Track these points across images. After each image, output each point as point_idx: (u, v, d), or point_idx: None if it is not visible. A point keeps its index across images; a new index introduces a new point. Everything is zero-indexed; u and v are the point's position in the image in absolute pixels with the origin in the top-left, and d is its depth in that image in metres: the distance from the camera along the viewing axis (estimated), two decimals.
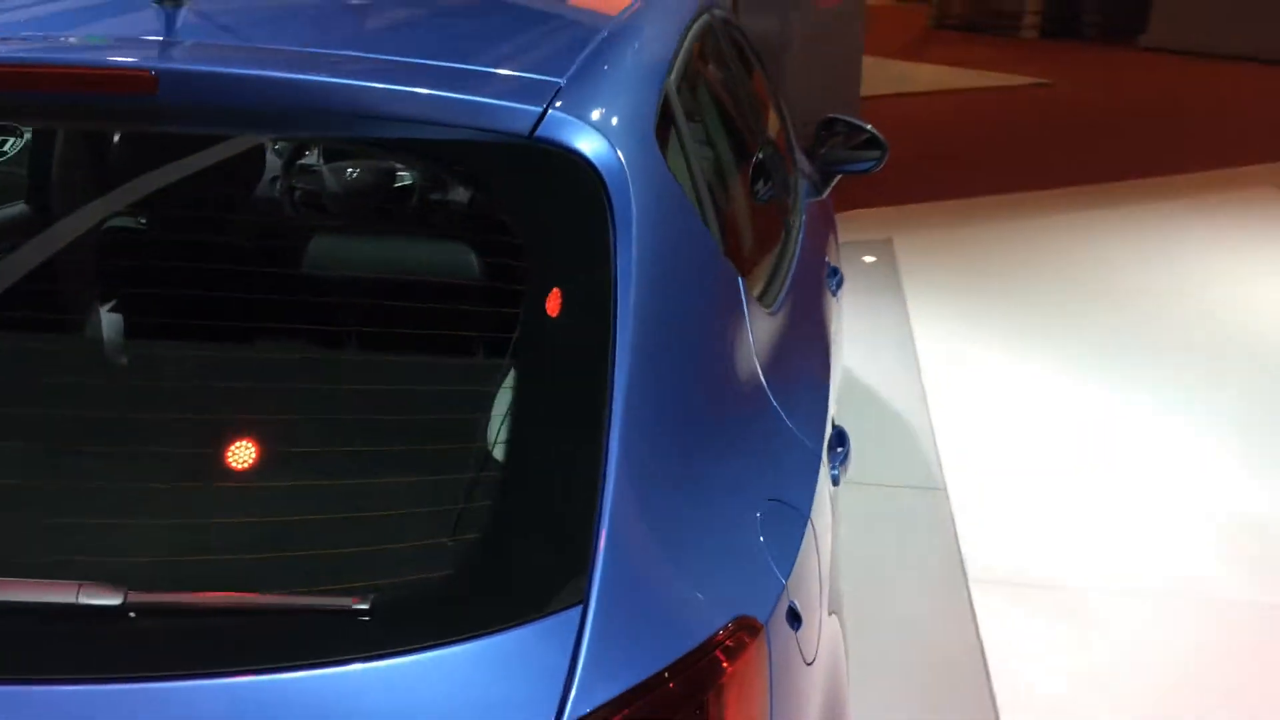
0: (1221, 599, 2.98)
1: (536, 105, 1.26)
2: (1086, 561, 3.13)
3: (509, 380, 1.16)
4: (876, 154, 3.08)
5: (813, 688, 1.24)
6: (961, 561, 3.12)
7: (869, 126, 3.12)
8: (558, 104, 1.28)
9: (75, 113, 1.30)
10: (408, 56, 1.41)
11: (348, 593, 0.97)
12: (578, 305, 1.16)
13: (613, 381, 1.11)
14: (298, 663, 0.93)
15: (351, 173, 2.02)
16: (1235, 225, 6.59)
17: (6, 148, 1.30)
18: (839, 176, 3.18)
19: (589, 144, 1.25)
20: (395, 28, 1.72)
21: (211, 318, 1.26)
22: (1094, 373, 4.41)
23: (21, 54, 1.28)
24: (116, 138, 1.65)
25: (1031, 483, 3.57)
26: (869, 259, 5.84)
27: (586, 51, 1.49)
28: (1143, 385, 4.30)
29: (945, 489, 3.51)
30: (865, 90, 8.94)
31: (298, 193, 1.93)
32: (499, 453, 1.09)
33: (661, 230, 1.27)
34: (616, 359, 1.12)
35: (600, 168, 1.24)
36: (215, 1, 1.61)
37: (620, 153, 1.26)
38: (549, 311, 1.17)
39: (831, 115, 3.29)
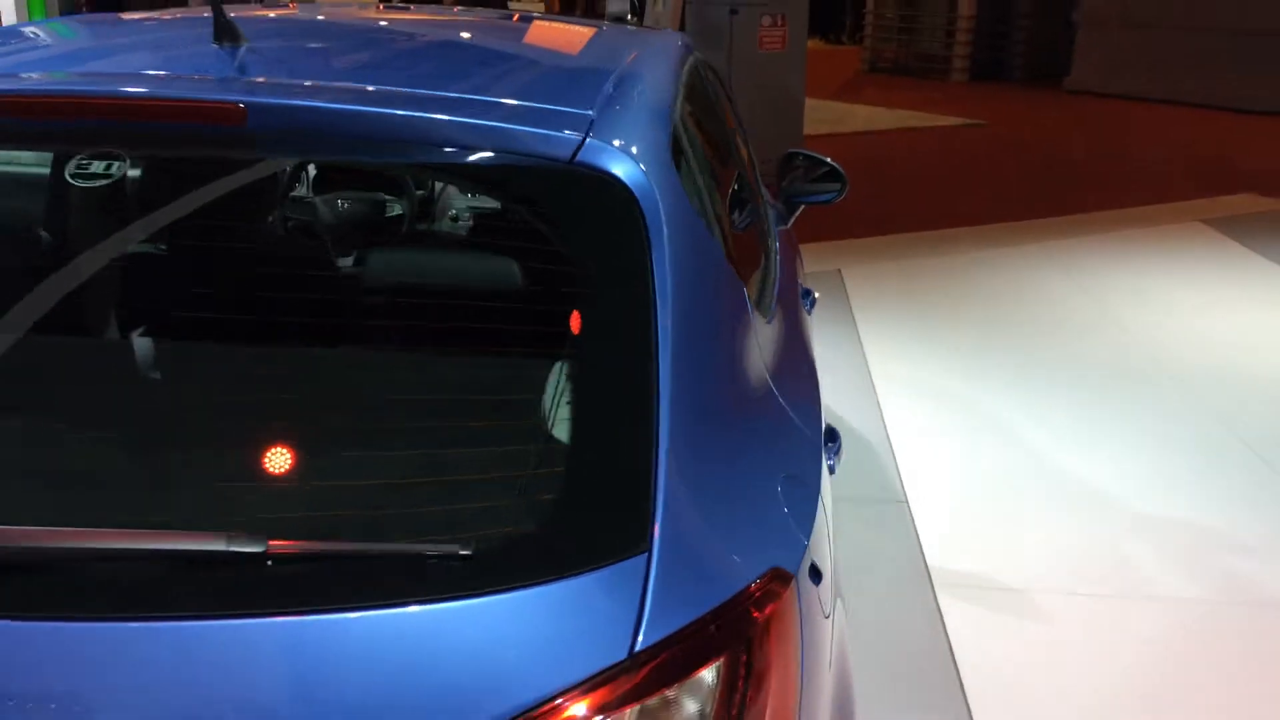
0: (1161, 596, 3.20)
1: (576, 134, 1.44)
2: (1037, 565, 3.34)
3: (573, 370, 1.32)
4: (837, 186, 3.30)
5: (829, 639, 1.40)
6: (926, 567, 3.31)
7: (829, 159, 3.34)
8: (593, 133, 1.45)
9: (173, 141, 1.45)
10: (449, 91, 1.57)
11: (453, 541, 1.13)
12: (623, 304, 1.33)
13: (658, 371, 1.28)
14: (413, 599, 1.08)
15: (343, 204, 2.18)
16: (1166, 257, 6.95)
17: (112, 170, 1.43)
18: (802, 207, 3.40)
19: (622, 168, 1.42)
20: (432, 63, 1.89)
21: (340, 320, 1.46)
22: (1036, 394, 4.67)
23: (126, 90, 1.43)
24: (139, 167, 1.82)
25: (984, 493, 3.79)
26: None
27: (607, 87, 1.66)
28: (1075, 404, 4.57)
29: (907, 501, 3.71)
30: (806, 129, 9.26)
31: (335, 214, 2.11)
32: (574, 431, 1.25)
33: (683, 241, 1.45)
34: (660, 351, 1.29)
35: (633, 187, 1.41)
36: (267, 41, 1.77)
37: (647, 175, 1.44)
38: (600, 309, 1.34)
39: (792, 150, 3.51)
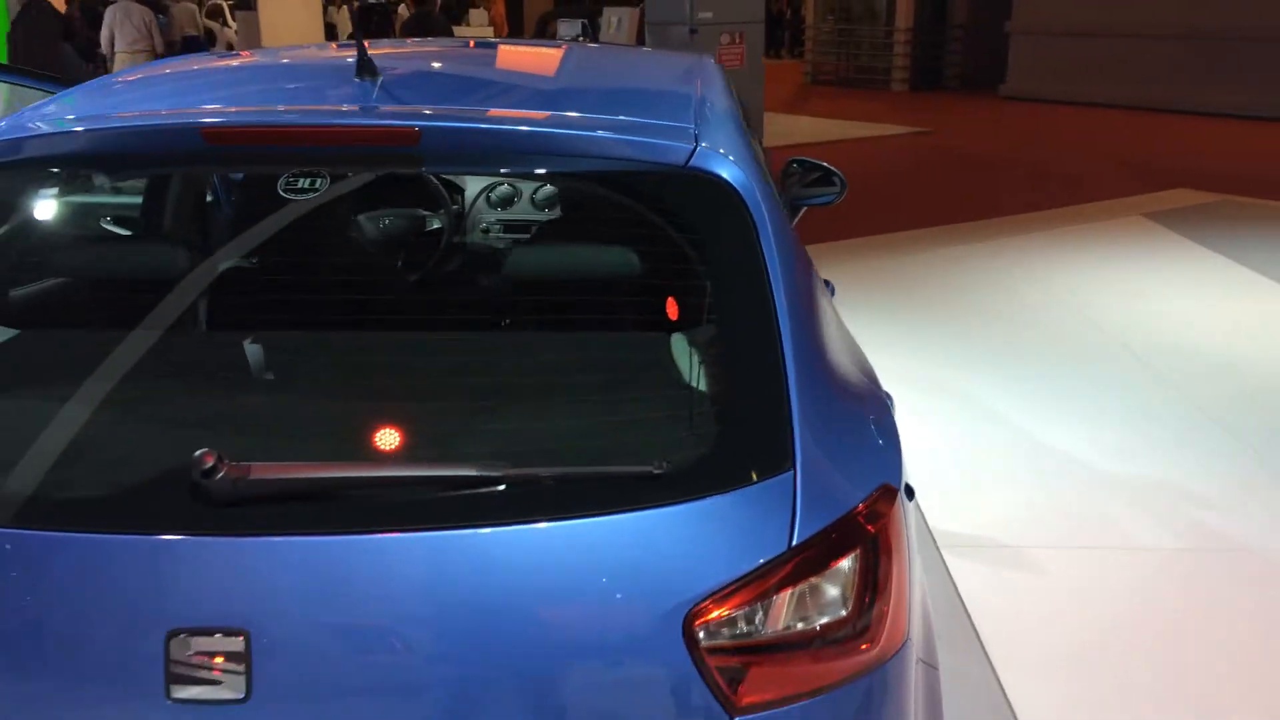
0: (1141, 547, 3.57)
1: (687, 144, 1.74)
2: (1026, 525, 3.70)
3: (720, 334, 1.63)
4: (835, 188, 3.64)
5: (915, 551, 1.72)
6: (931, 533, 3.65)
7: (827, 164, 3.68)
8: (700, 142, 1.76)
9: (360, 160, 1.74)
10: (567, 110, 1.87)
11: (649, 462, 1.42)
12: (749, 279, 1.64)
13: (780, 332, 1.59)
14: (622, 509, 1.38)
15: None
16: (1112, 248, 7.42)
17: (317, 185, 1.71)
18: (804, 209, 3.74)
19: (726, 169, 1.73)
20: (540, 87, 2.19)
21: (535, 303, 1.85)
22: (1002, 373, 5.05)
23: (319, 120, 1.71)
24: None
25: (977, 465, 4.15)
26: None
27: (694, 103, 1.97)
28: (1040, 380, 4.96)
29: None
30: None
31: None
32: (726, 381, 1.56)
33: (776, 227, 1.76)
34: (779, 317, 1.60)
35: (737, 185, 1.72)
36: (397, 74, 2.05)
37: (745, 174, 1.75)
38: (730, 285, 1.65)
39: (794, 157, 3.85)
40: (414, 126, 1.68)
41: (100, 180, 2.01)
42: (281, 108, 1.83)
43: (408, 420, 1.57)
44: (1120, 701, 2.84)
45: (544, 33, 16.38)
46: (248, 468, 1.35)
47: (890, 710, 1.50)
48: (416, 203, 2.20)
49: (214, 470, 1.33)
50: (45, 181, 1.88)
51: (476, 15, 17.76)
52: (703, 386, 1.60)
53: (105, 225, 3.48)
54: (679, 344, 1.68)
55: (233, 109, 1.85)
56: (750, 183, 1.74)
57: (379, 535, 1.36)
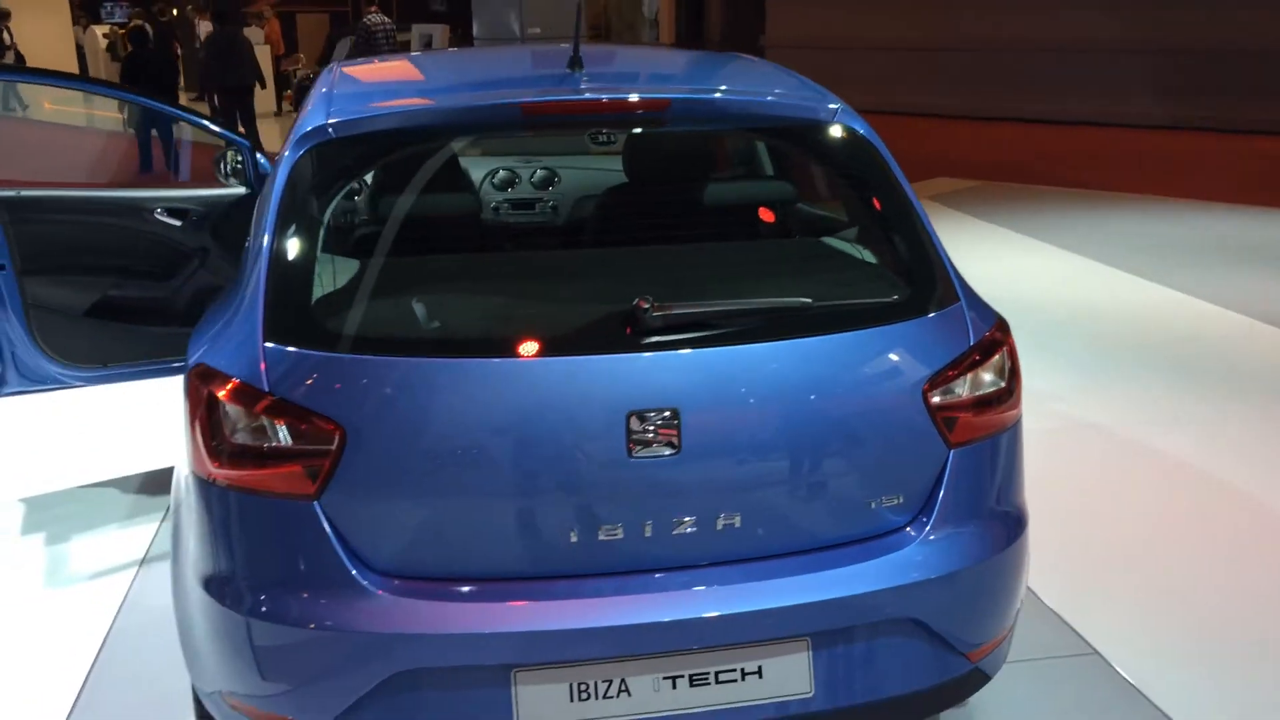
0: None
1: (835, 105, 2.56)
2: None
3: (899, 232, 2.40)
4: None
5: None
6: None
7: None
8: (838, 104, 2.58)
9: (631, 124, 2.46)
10: (750, 85, 2.67)
11: (884, 298, 2.27)
12: (893, 191, 2.43)
13: (926, 223, 2.43)
14: (878, 323, 2.18)
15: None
16: None
17: (613, 138, 2.44)
18: None
19: (858, 123, 2.56)
20: (699, 71, 2.95)
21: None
22: None
23: (598, 96, 2.41)
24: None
25: None
26: None
27: (806, 82, 2.79)
28: None
29: None
30: None
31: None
32: (910, 258, 2.35)
33: (894, 163, 2.60)
34: (920, 212, 2.44)
35: (865, 133, 2.55)
36: (598, 67, 2.75)
37: (869, 127, 2.59)
38: (884, 196, 2.45)
39: None
40: (666, 98, 2.44)
41: (439, 145, 2.61)
42: (550, 89, 2.52)
43: (741, 282, 2.34)
44: None
45: (331, 52, 16.60)
46: (670, 305, 2.08)
47: (1019, 449, 2.38)
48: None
49: (649, 309, 2.06)
50: (388, 147, 2.46)
51: (252, 33, 17.71)
52: (899, 257, 2.42)
53: (159, 215, 3.97)
54: (863, 235, 2.51)
55: (527, 90, 2.52)
56: (872, 130, 2.58)
57: (746, 346, 2.11)
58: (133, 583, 3.52)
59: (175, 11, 19.78)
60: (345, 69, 2.96)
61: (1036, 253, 7.86)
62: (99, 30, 22.90)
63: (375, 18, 12.49)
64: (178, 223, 3.94)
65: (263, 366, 2.05)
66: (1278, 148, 12.44)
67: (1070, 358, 5.56)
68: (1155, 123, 14.11)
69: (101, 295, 3.92)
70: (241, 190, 3.97)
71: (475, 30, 10.38)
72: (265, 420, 2.03)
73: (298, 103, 15.04)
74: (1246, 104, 13.43)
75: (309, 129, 2.34)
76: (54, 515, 4.03)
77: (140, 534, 3.84)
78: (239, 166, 3.98)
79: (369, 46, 12.10)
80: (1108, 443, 4.56)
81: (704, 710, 2.09)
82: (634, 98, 2.44)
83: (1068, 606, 3.28)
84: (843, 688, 2.15)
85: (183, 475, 2.29)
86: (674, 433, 2.04)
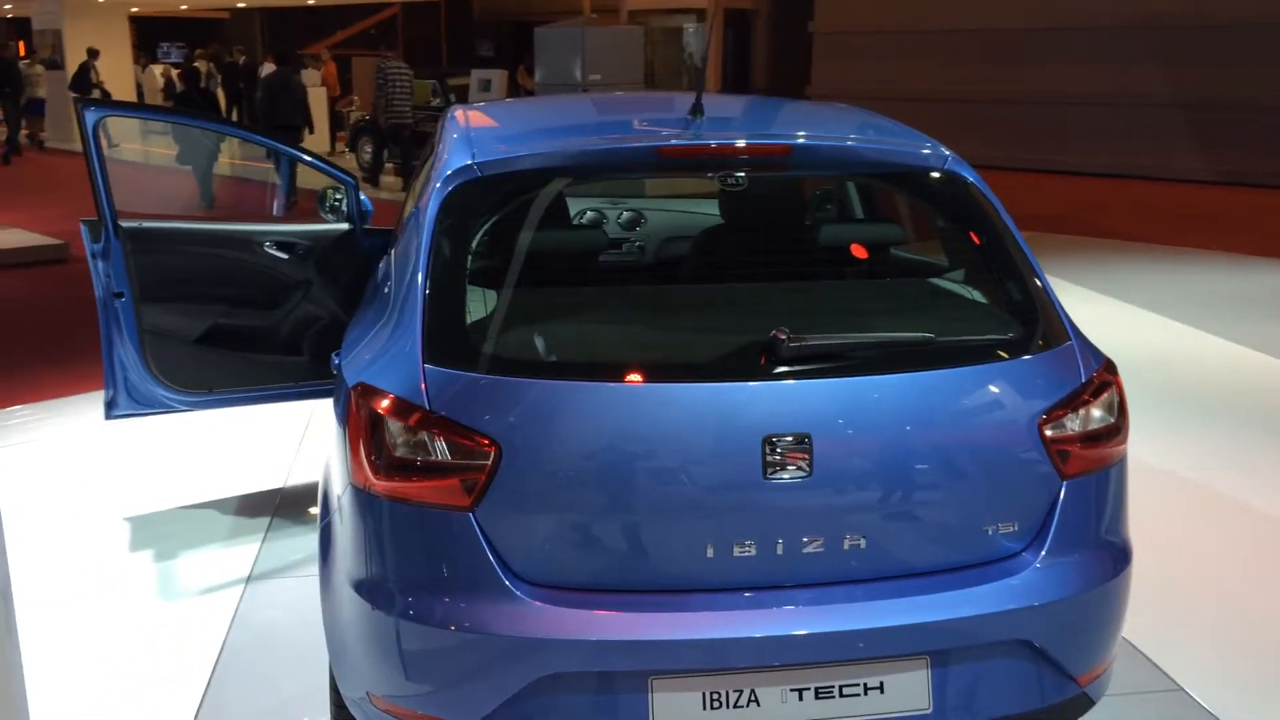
0: None
1: (944, 154, 2.70)
2: None
3: (1001, 271, 2.54)
4: None
5: None
6: None
7: None
8: (949, 153, 2.72)
9: (754, 167, 2.60)
10: (860, 136, 2.82)
11: (995, 337, 2.39)
12: (1003, 236, 2.56)
13: (1035, 266, 2.55)
14: (994, 360, 2.31)
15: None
16: None
17: (741, 180, 2.59)
18: None
19: (968, 171, 2.69)
20: (810, 120, 3.11)
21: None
22: None
23: (726, 142, 2.59)
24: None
25: None
26: None
27: (910, 129, 2.94)
28: None
29: None
30: None
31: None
32: (1021, 301, 2.49)
33: (1003, 208, 2.74)
34: (1029, 255, 2.57)
35: (975, 180, 2.68)
36: (717, 113, 2.92)
37: (977, 175, 2.73)
38: (988, 249, 2.57)
39: None
40: (790, 144, 2.60)
41: (573, 184, 2.80)
42: (678, 133, 2.69)
43: (862, 317, 2.48)
44: None
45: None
46: (805, 336, 2.22)
47: (1125, 483, 2.49)
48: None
49: (785, 340, 2.20)
50: (528, 185, 2.62)
51: (309, 75, 18.17)
52: (1011, 298, 2.55)
53: (268, 248, 4.16)
54: (971, 276, 2.65)
55: (655, 135, 2.68)
56: (980, 177, 2.73)
57: (873, 377, 2.24)
58: (240, 600, 3.66)
59: (243, 56, 20.32)
60: (470, 111, 3.15)
61: (1087, 300, 7.95)
62: (156, 69, 23.56)
63: (391, 63, 13.01)
64: (285, 255, 4.12)
65: (423, 386, 2.20)
66: None
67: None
68: (1199, 178, 14.23)
69: (211, 323, 4.09)
70: (344, 226, 4.15)
71: (537, 76, 10.66)
72: (426, 436, 2.17)
73: (352, 143, 15.40)
74: None
75: (456, 167, 2.50)
76: (160, 533, 4.20)
77: (244, 553, 4.00)
78: (337, 203, 4.16)
79: (383, 90, 12.64)
80: (1170, 483, 4.64)
81: None
82: (760, 143, 2.60)
83: (1151, 644, 3.36)
84: (959, 706, 2.25)
85: (336, 489, 2.44)
86: (806, 457, 2.17)
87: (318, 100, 17.03)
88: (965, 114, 16.33)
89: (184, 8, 28.91)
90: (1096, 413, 2.39)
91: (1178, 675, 3.21)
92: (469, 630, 2.15)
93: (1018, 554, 2.31)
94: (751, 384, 2.21)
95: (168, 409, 4.07)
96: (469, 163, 2.51)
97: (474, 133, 2.77)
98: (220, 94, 18.48)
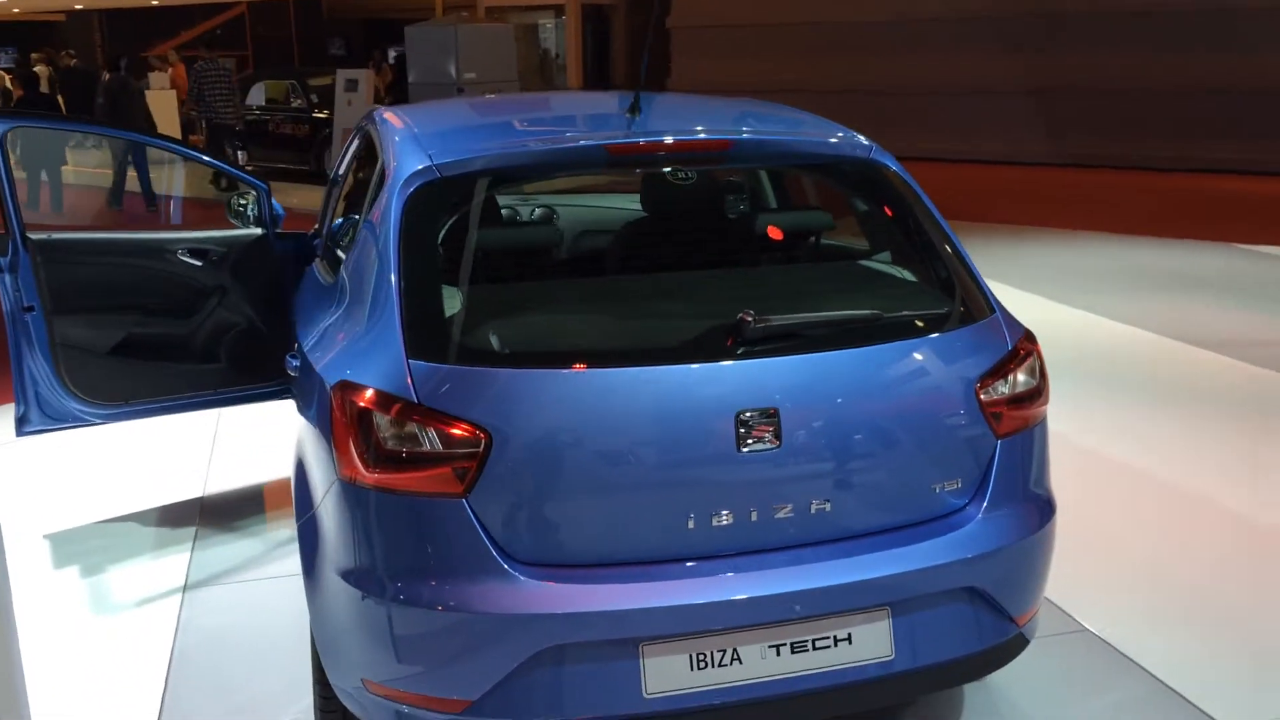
0: None
1: (870, 144, 2.91)
2: None
3: (928, 252, 2.76)
4: None
5: None
6: None
7: None
8: (870, 143, 2.93)
9: (694, 162, 2.75)
10: (783, 127, 3.00)
11: (929, 312, 2.60)
12: (925, 219, 2.80)
13: (957, 244, 2.79)
14: (932, 333, 2.53)
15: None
16: None
17: (689, 175, 2.73)
18: None
19: (889, 160, 2.91)
20: (741, 115, 3.26)
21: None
22: None
23: (640, 138, 2.72)
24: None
25: None
26: None
27: (833, 124, 3.14)
28: None
29: None
30: None
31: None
32: (949, 275, 2.72)
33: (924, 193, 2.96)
34: (951, 236, 2.80)
35: (895, 167, 2.90)
36: (650, 111, 3.05)
37: (898, 163, 2.95)
38: (916, 221, 2.79)
39: None
40: (727, 139, 2.77)
41: (528, 181, 2.89)
42: (623, 132, 2.82)
43: (810, 299, 2.66)
44: None
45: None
46: (768, 318, 2.39)
47: (1046, 440, 2.73)
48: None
49: (751, 322, 2.36)
50: (485, 184, 2.72)
51: (157, 78, 17.58)
52: (939, 275, 2.77)
53: (181, 256, 4.13)
54: (899, 257, 2.86)
55: (602, 133, 2.81)
56: (900, 165, 2.94)
57: (830, 352, 2.42)
58: (181, 608, 3.65)
59: (74, 59, 19.46)
60: (403, 114, 3.22)
61: None
62: None
63: (208, 64, 13.24)
64: (199, 263, 4.10)
65: (409, 380, 2.29)
66: (1164, 182, 13.43)
67: None
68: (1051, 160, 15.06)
69: (125, 334, 4.04)
70: (258, 231, 4.15)
71: (410, 76, 10.60)
72: (416, 427, 2.26)
73: (212, 144, 14.97)
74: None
75: (415, 169, 2.59)
76: (85, 549, 4.13)
77: (175, 562, 3.97)
78: (241, 209, 4.16)
79: (200, 89, 12.94)
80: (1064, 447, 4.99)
81: (804, 674, 2.38)
82: (703, 138, 2.77)
83: (1056, 592, 3.66)
84: (918, 651, 2.46)
85: (317, 485, 2.50)
86: (774, 429, 2.34)
87: (167, 103, 16.51)
88: (818, 105, 16.84)
89: (16, 11, 27.52)
90: (1022, 377, 2.63)
91: (1081, 617, 3.51)
92: (467, 610, 2.25)
93: (962, 508, 2.54)
94: (723, 364, 2.37)
95: (82, 423, 4.01)
96: (428, 164, 2.60)
97: (421, 135, 2.85)
98: (60, 100, 17.73)
